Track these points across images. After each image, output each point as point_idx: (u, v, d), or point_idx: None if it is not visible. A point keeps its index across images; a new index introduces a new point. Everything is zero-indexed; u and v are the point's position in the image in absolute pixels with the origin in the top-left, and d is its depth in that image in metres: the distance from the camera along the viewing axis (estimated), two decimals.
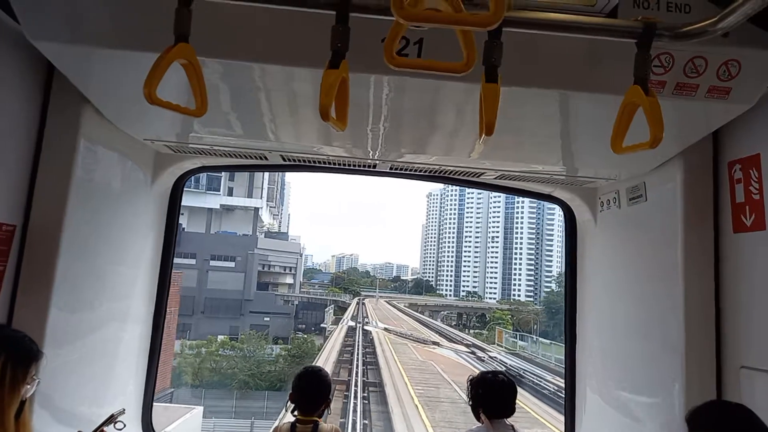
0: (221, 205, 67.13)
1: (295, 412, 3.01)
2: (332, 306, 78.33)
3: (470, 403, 3.10)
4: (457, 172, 3.76)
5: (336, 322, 65.51)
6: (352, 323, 60.58)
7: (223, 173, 63.49)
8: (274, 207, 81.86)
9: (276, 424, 3.17)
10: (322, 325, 65.75)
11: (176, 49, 1.63)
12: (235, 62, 2.30)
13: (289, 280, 75.66)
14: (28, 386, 2.01)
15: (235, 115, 2.91)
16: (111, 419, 2.44)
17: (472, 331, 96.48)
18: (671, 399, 2.98)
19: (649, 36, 1.74)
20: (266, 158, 3.67)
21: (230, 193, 68.27)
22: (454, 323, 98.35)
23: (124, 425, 2.48)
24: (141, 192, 3.68)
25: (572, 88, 2.40)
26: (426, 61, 1.80)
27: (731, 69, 2.29)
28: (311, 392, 3.05)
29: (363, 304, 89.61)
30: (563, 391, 4.53)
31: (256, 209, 69.65)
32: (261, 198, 71.06)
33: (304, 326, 76.98)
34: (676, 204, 3.04)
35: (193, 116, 1.76)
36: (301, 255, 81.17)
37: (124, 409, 2.55)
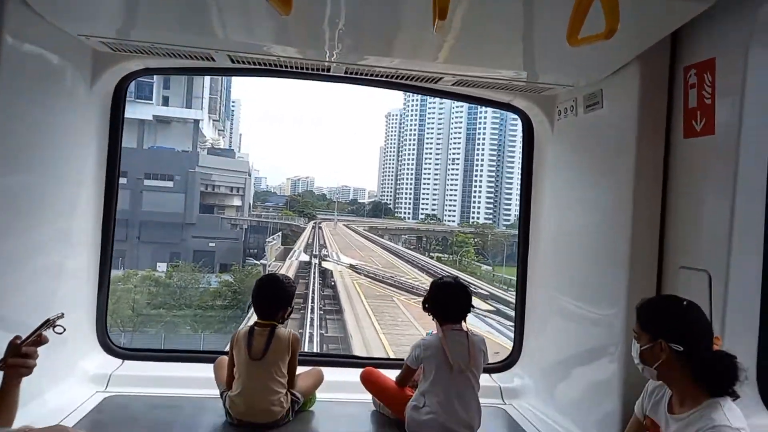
0: (154, 117, 57.64)
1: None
2: (278, 234, 65.10)
3: (426, 307, 3.18)
4: (414, 77, 3.68)
5: (284, 255, 54.46)
6: (306, 257, 50.07)
7: (155, 78, 54.48)
8: (218, 120, 72.67)
9: (238, 329, 3.30)
10: (262, 261, 49.90)
11: None
12: None
13: (236, 202, 67.35)
14: None
15: (177, 6, 2.74)
16: (48, 323, 2.22)
17: (433, 254, 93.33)
18: (615, 300, 3.09)
19: None
20: (213, 59, 3.45)
21: (165, 102, 58.80)
22: (413, 247, 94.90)
23: (64, 329, 2.26)
24: (78, 96, 3.42)
25: None
26: None
27: None
28: (269, 297, 3.16)
29: (320, 228, 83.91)
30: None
31: (196, 121, 59.39)
32: (201, 109, 61.31)
33: (256, 251, 71.17)
34: (630, 110, 3.04)
35: None
36: (249, 174, 72.56)
37: (62, 314, 2.30)
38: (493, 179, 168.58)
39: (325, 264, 46.34)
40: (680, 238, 2.94)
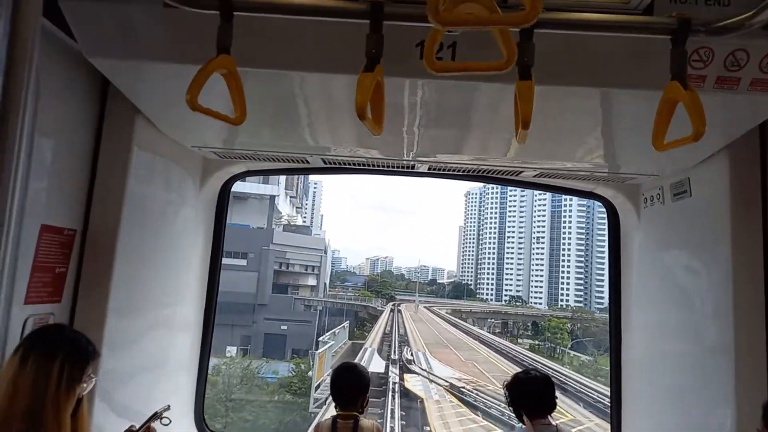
0: (231, 193, 56.61)
1: (337, 409, 3.10)
2: (343, 326, 49.32)
3: (510, 407, 3.11)
4: (495, 171, 3.77)
5: (351, 356, 40.10)
6: (380, 362, 34.65)
7: None
8: (295, 197, 70.92)
9: (317, 419, 3.54)
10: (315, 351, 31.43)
11: (217, 60, 1.74)
12: (274, 71, 2.40)
13: (311, 281, 63.08)
14: (84, 385, 2.04)
15: (276, 121, 3.05)
16: (155, 416, 2.51)
17: (521, 341, 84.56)
18: (722, 401, 2.89)
19: (683, 32, 1.74)
20: (308, 162, 3.76)
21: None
22: (498, 331, 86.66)
23: (170, 421, 2.53)
24: (190, 197, 3.84)
25: (611, 85, 2.39)
26: (466, 63, 1.91)
27: None
28: (348, 387, 3.15)
29: (399, 311, 77.89)
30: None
31: (272, 197, 57.18)
32: (278, 185, 59.80)
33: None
34: (723, 199, 2.97)
35: (232, 124, 1.85)
36: (326, 252, 67.58)
37: (168, 406, 2.60)
38: (582, 258, 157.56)
39: (410, 379, 30.70)
40: None
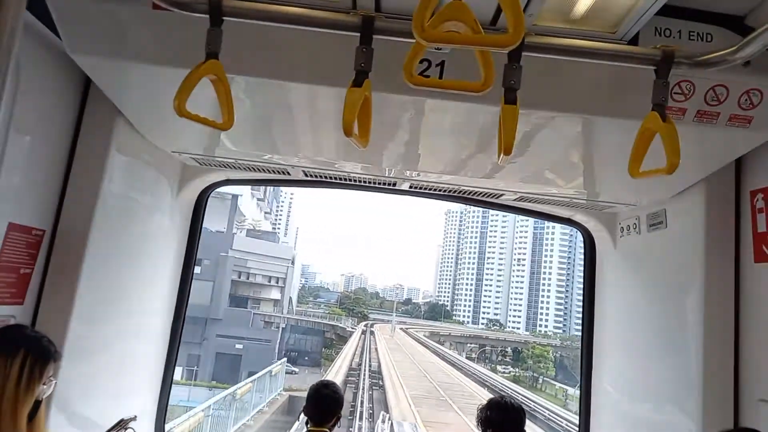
0: None
1: (308, 425, 3.08)
2: (280, 362, 28.99)
3: (479, 428, 3.09)
4: (475, 192, 3.78)
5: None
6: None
7: None
8: (263, 200, 63.88)
9: None
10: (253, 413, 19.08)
11: (206, 65, 1.72)
12: (262, 80, 2.38)
13: (275, 294, 55.93)
14: (44, 386, 2.00)
15: (260, 130, 3.02)
16: (121, 424, 2.44)
17: (501, 369, 79.19)
18: (687, 430, 2.93)
19: (667, 64, 1.78)
20: (289, 173, 3.72)
21: None
22: (474, 356, 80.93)
23: None
24: (166, 204, 3.74)
25: (595, 113, 2.42)
26: (445, 81, 1.98)
27: (753, 98, 2.30)
28: (324, 405, 3.12)
29: (371, 333, 68.40)
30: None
31: (235, 197, 49.86)
32: None
33: (295, 356, 59.80)
34: (697, 232, 3.01)
35: (219, 129, 1.84)
36: (292, 262, 58.05)
37: (135, 416, 2.53)
38: (563, 282, 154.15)
39: None
40: (757, 368, 2.78)
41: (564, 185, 3.42)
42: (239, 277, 51.05)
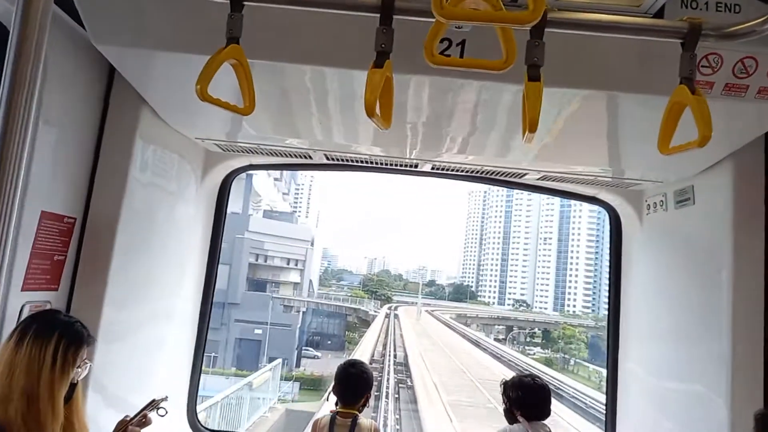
0: None
1: (337, 405, 3.07)
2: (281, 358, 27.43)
3: (506, 405, 3.13)
4: (498, 172, 3.75)
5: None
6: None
7: None
8: (280, 179, 61.08)
9: (316, 416, 3.31)
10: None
11: (227, 50, 1.73)
12: (282, 64, 2.39)
13: (294, 277, 53.45)
14: (79, 369, 2.06)
15: (281, 114, 3.03)
16: (153, 404, 2.46)
17: (530, 350, 76.85)
18: (716, 409, 2.90)
19: (694, 36, 1.75)
20: (311, 157, 3.75)
21: None
22: (501, 338, 78.72)
23: (166, 411, 2.50)
24: (191, 190, 3.81)
25: (620, 89, 2.40)
26: (465, 59, 1.98)
27: None
28: (353, 385, 3.10)
29: (395, 317, 63.70)
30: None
31: (249, 176, 47.00)
32: None
33: (318, 341, 58.04)
34: (725, 208, 2.97)
35: (240, 114, 1.84)
36: (312, 244, 54.49)
37: (166, 396, 2.56)
38: (592, 261, 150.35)
39: None
40: None
41: (589, 163, 3.39)
42: (256, 260, 48.80)
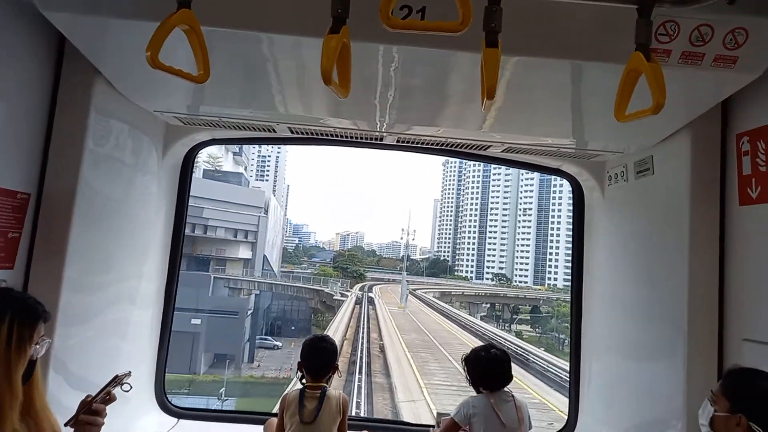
0: None
1: (304, 380, 3.10)
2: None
3: (469, 380, 3.19)
4: (463, 144, 3.75)
5: None
6: None
7: None
8: (239, 154, 50.83)
9: (286, 391, 3.32)
10: None
11: (178, 14, 1.67)
12: (240, 31, 2.31)
13: (243, 253, 44.13)
14: (37, 346, 1.99)
15: (242, 85, 2.95)
16: (116, 380, 2.35)
17: (514, 327, 69.96)
18: (674, 373, 2.98)
19: (649, 2, 1.75)
20: (274, 131, 3.67)
21: None
22: (484, 315, 71.26)
23: (131, 387, 2.40)
24: (151, 165, 3.69)
25: (581, 58, 2.38)
26: (421, 21, 1.93)
27: (738, 37, 2.25)
28: (319, 359, 3.13)
29: (370, 302, 49.50)
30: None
31: None
32: None
33: (274, 331, 48.89)
34: (683, 177, 3.01)
35: (195, 82, 1.80)
36: (266, 211, 45.80)
37: (129, 372, 2.44)
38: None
39: None
40: (741, 308, 2.83)
41: (551, 134, 3.38)
42: (193, 231, 39.28)
